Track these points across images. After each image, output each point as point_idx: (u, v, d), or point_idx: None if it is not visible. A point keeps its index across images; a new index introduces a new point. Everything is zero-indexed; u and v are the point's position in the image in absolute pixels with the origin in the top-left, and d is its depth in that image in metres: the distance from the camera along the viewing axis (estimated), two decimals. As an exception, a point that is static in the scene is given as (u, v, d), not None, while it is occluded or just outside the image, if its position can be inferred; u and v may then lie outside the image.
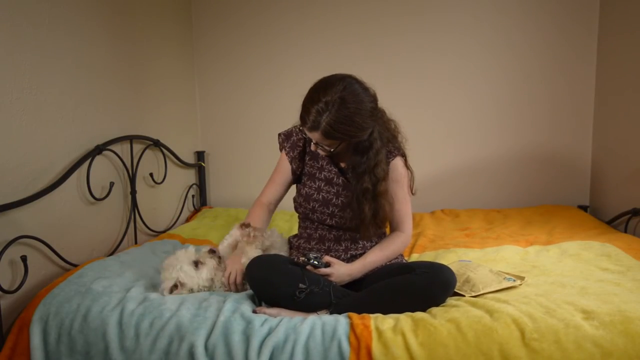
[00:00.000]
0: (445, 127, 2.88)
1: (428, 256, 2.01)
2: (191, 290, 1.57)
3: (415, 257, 2.04)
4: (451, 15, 2.79)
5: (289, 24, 2.91)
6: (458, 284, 1.56)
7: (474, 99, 2.84)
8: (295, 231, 1.97)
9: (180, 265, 1.57)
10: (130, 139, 2.24)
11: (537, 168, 2.85)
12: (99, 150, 1.98)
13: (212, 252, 1.66)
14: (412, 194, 1.71)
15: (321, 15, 2.88)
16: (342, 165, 1.70)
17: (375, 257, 1.63)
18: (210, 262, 1.62)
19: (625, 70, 2.43)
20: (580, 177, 2.83)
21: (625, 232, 2.31)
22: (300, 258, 1.52)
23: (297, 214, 1.80)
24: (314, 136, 1.50)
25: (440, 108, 2.87)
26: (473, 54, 2.80)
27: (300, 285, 1.46)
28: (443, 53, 2.82)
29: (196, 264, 1.60)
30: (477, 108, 2.85)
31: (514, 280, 1.57)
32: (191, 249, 1.65)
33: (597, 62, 2.71)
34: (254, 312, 1.43)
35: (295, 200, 1.77)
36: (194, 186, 2.97)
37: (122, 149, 2.19)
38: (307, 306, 1.47)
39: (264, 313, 1.43)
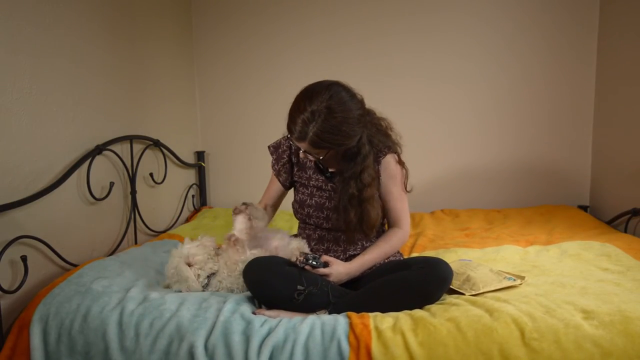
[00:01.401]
0: (446, 127, 2.88)
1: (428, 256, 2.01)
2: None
3: (415, 257, 2.04)
4: (451, 15, 2.79)
5: (289, 24, 2.91)
6: (458, 282, 1.57)
7: (474, 99, 2.84)
8: (295, 231, 1.97)
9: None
10: (130, 139, 2.24)
11: (537, 168, 2.85)
12: (99, 150, 1.98)
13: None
14: (407, 191, 1.70)
15: (321, 16, 2.88)
16: (331, 170, 1.70)
17: (373, 255, 1.63)
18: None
19: (626, 70, 2.43)
20: (580, 177, 2.83)
21: (625, 232, 2.31)
22: (299, 258, 1.52)
23: (296, 216, 1.81)
24: (302, 146, 1.50)
25: (441, 108, 2.87)
26: (473, 55, 2.80)
27: (298, 287, 1.46)
28: (443, 54, 2.82)
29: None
30: (477, 108, 2.85)
31: (514, 280, 1.57)
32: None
33: (597, 62, 2.71)
34: (254, 314, 1.43)
35: (292, 205, 1.78)
36: (194, 186, 2.98)
37: (122, 149, 2.19)
38: (306, 307, 1.47)
39: (264, 315, 1.43)
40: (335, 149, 1.50)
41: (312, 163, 1.71)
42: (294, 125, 1.46)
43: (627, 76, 2.41)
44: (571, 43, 2.73)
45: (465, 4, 2.77)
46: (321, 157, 1.54)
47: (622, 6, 2.46)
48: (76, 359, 1.38)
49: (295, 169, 1.76)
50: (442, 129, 2.88)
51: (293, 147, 1.73)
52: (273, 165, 1.78)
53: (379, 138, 1.64)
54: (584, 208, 2.77)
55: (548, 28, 2.73)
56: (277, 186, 1.81)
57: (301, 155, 1.57)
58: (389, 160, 1.65)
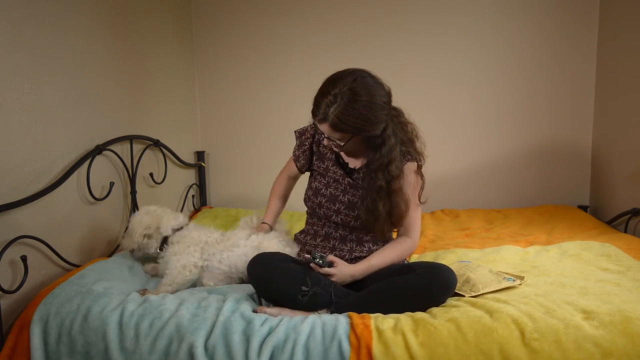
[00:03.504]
0: (445, 127, 2.88)
1: (428, 256, 2.01)
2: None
3: (415, 258, 2.04)
4: (450, 15, 2.79)
5: (289, 24, 2.91)
6: (458, 284, 1.56)
7: (474, 99, 2.84)
8: (296, 231, 1.97)
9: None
10: (130, 139, 2.24)
11: (537, 168, 2.85)
12: (99, 150, 1.98)
13: None
14: (422, 202, 1.68)
15: (321, 15, 2.88)
16: (350, 165, 1.69)
17: (379, 260, 1.62)
18: None
19: (625, 70, 2.43)
20: (580, 177, 2.83)
21: (625, 232, 2.31)
22: (305, 255, 1.53)
23: (300, 213, 1.81)
24: (324, 128, 1.50)
25: (440, 108, 2.87)
26: (473, 54, 2.80)
27: (302, 288, 1.46)
28: (443, 53, 2.82)
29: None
30: (477, 108, 2.85)
31: (514, 280, 1.57)
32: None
33: (597, 61, 2.72)
34: (255, 311, 1.43)
35: (306, 192, 1.79)
36: (194, 186, 2.97)
37: (122, 149, 2.19)
38: (308, 306, 1.47)
39: (265, 312, 1.43)
40: (356, 133, 1.49)
41: (333, 155, 1.71)
42: (317, 108, 1.47)
43: (627, 76, 2.41)
44: (571, 43, 2.73)
45: (465, 5, 2.77)
46: (342, 144, 1.53)
47: (622, 6, 2.46)
48: (76, 359, 1.38)
49: (314, 158, 1.76)
50: (442, 129, 2.88)
51: (316, 136, 1.75)
52: (294, 151, 1.82)
53: (402, 138, 1.63)
54: (584, 208, 2.77)
55: (548, 28, 2.73)
56: (294, 168, 1.86)
57: (324, 142, 1.57)
58: (410, 168, 1.64)
